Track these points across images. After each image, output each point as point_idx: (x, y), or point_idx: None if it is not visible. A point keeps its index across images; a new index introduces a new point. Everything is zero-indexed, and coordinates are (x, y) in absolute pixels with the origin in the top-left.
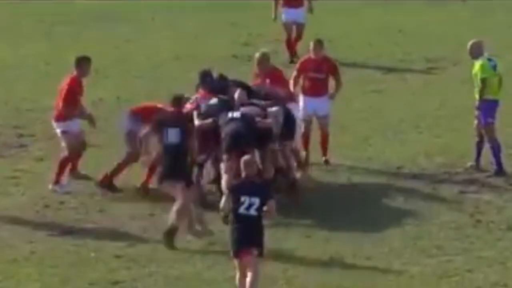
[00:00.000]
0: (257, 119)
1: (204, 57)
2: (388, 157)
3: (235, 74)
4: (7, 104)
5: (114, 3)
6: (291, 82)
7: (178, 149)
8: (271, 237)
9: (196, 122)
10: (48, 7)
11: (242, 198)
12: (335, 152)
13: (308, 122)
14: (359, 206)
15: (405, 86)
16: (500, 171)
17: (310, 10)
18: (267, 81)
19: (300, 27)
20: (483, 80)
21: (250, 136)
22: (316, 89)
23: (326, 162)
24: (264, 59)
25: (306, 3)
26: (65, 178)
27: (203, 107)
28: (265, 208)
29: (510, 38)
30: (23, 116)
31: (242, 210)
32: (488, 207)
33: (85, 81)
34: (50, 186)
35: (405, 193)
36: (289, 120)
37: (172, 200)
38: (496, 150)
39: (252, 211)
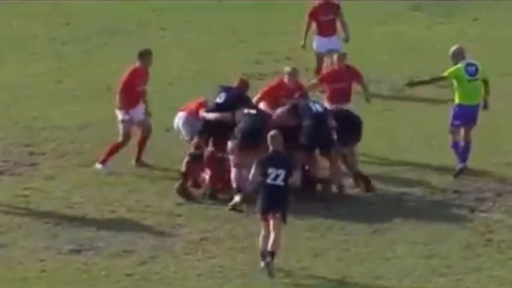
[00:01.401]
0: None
1: (215, 74)
2: (399, 175)
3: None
4: (18, 122)
5: (124, 20)
6: (308, 85)
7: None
8: (280, 256)
9: (211, 115)
10: (57, 25)
11: (269, 170)
12: (345, 169)
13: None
14: (369, 225)
15: (416, 104)
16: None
17: (346, 39)
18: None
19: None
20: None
21: (264, 132)
22: (341, 97)
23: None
24: (295, 73)
25: (340, 31)
26: (109, 162)
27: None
28: (290, 179)
29: None
30: (33, 134)
31: (269, 180)
32: (498, 226)
33: (97, 101)
34: (96, 165)
35: (416, 212)
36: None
37: (184, 219)
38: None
39: (279, 182)
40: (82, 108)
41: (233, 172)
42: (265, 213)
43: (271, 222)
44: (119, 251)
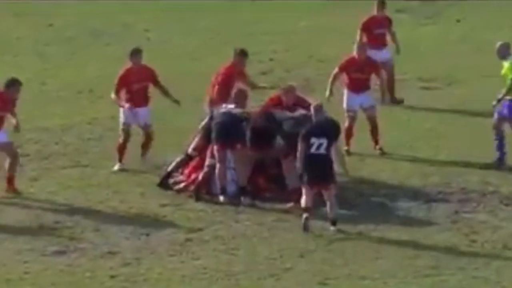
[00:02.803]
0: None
1: (199, 77)
2: (383, 176)
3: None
4: None
5: (108, 21)
6: (331, 78)
7: None
8: (266, 258)
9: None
10: (41, 26)
11: (312, 140)
12: None
13: (352, 118)
14: (354, 226)
15: (400, 106)
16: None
17: (398, 50)
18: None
19: (388, 67)
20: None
21: (240, 130)
22: (360, 86)
23: (381, 150)
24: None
25: (389, 42)
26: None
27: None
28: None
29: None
30: (18, 136)
31: (313, 150)
32: (483, 226)
33: (81, 102)
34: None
35: (400, 213)
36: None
37: (168, 220)
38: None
39: (322, 150)
40: (66, 109)
41: (217, 169)
42: (313, 185)
43: (324, 192)
44: (103, 252)
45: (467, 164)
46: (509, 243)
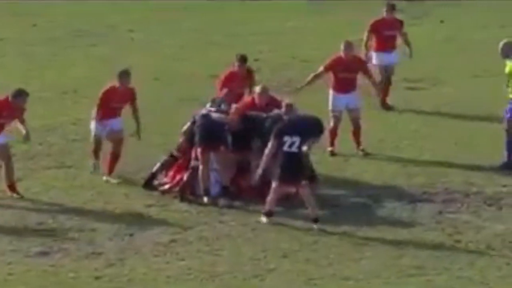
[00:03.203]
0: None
1: (183, 77)
2: (367, 176)
3: (213, 94)
4: None
5: (92, 21)
6: (312, 75)
7: None
8: (250, 258)
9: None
10: (25, 26)
11: (285, 138)
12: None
13: (337, 118)
14: (338, 226)
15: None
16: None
17: (410, 53)
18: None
19: (389, 70)
20: None
21: (220, 132)
22: (347, 86)
23: (364, 151)
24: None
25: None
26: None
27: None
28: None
29: (487, 58)
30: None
31: (285, 148)
32: (466, 227)
33: (65, 102)
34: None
35: (385, 213)
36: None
37: (153, 221)
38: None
39: (294, 149)
40: (51, 110)
41: (200, 170)
42: (285, 182)
43: (300, 191)
44: (87, 253)
45: (451, 165)
46: (493, 243)
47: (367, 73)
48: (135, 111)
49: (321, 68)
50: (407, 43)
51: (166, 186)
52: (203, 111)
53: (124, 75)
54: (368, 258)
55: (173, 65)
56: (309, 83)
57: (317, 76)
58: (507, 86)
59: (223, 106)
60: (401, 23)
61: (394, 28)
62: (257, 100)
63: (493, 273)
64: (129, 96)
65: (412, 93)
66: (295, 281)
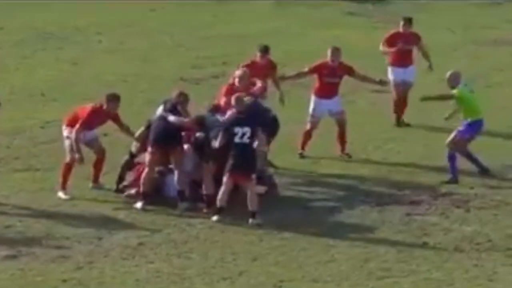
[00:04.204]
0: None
1: (152, 79)
2: (336, 178)
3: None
4: None
5: (60, 24)
6: (295, 72)
7: None
8: (219, 261)
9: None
10: None
11: (236, 129)
12: (284, 173)
13: (314, 124)
14: (306, 229)
15: (354, 108)
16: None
17: (430, 67)
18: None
19: (406, 87)
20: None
21: (174, 133)
22: (330, 92)
23: (348, 155)
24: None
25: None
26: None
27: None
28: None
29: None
30: None
31: (237, 139)
32: (434, 229)
33: (33, 105)
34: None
35: (352, 215)
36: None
37: (121, 224)
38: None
39: (245, 140)
40: (18, 113)
41: (145, 172)
42: (235, 173)
43: (246, 183)
44: (55, 256)
45: (420, 167)
46: (461, 245)
47: (356, 76)
48: (123, 128)
49: (305, 68)
50: (426, 56)
51: (133, 191)
52: (158, 113)
53: (115, 99)
54: (336, 261)
55: (141, 67)
56: (293, 78)
57: (300, 74)
58: (457, 112)
59: (179, 108)
60: (418, 37)
61: (410, 42)
62: (237, 84)
63: (460, 275)
64: (112, 118)
65: (379, 95)
66: (264, 283)
